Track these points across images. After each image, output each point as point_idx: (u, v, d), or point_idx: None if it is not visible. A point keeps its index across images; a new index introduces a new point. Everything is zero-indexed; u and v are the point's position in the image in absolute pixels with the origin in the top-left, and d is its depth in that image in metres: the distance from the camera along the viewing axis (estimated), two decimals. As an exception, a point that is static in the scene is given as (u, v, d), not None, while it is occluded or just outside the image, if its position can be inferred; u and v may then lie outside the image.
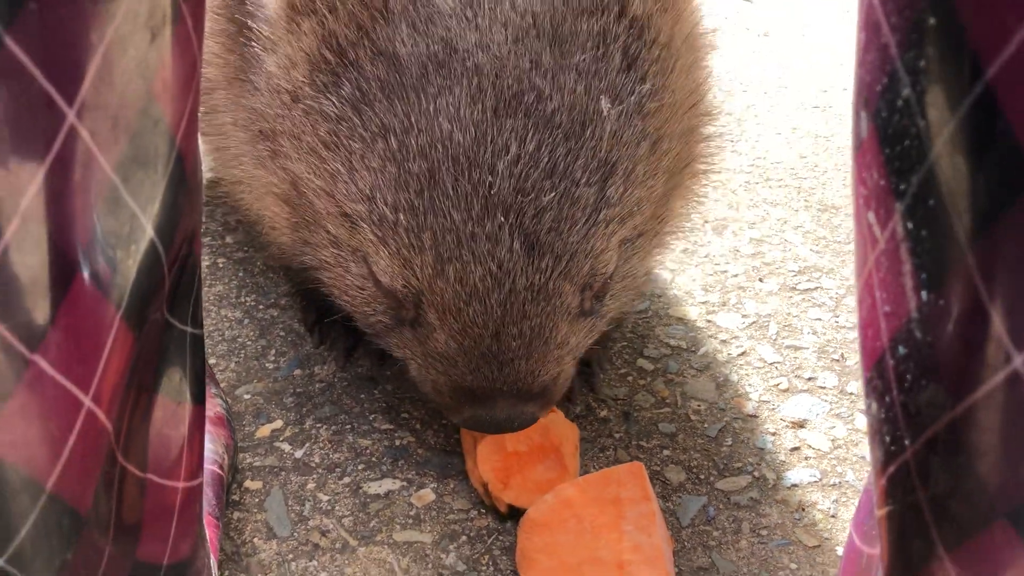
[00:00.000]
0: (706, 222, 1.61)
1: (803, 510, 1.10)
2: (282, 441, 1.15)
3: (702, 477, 1.14)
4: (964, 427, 0.46)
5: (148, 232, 0.53)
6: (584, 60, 0.86)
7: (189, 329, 0.65)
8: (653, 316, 1.39)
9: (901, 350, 0.49)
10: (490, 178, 0.83)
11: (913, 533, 0.51)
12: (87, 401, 0.52)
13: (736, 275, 1.49)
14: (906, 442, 0.50)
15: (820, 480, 1.14)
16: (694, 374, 1.29)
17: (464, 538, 1.05)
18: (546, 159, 0.84)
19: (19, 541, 0.52)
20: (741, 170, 1.78)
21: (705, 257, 1.53)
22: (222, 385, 1.21)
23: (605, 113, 0.86)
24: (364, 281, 0.95)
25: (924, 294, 0.46)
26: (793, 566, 1.03)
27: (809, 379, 1.29)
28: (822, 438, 1.20)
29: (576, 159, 0.85)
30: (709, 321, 1.39)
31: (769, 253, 1.55)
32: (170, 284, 0.59)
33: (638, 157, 0.90)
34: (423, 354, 0.94)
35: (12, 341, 0.47)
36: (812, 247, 1.57)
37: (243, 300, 1.37)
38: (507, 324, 0.88)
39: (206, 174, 1.33)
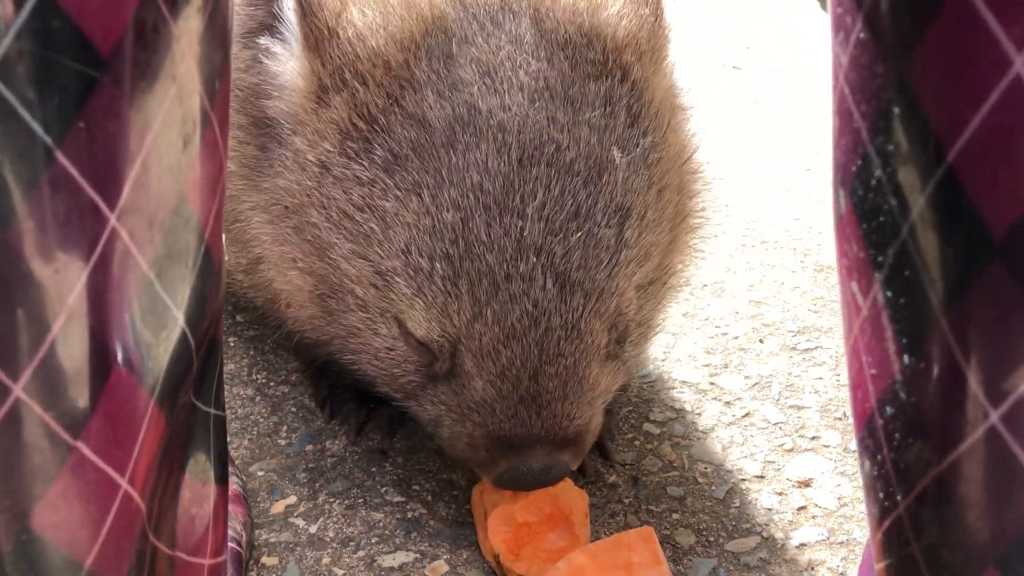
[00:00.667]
0: (705, 285, 1.65)
1: (812, 569, 1.11)
2: (296, 516, 1.17)
3: (711, 539, 1.15)
4: (950, 480, 0.49)
5: (179, 322, 0.57)
6: (594, 116, 0.95)
7: (212, 411, 0.68)
8: (657, 380, 1.42)
9: (888, 410, 0.52)
10: (520, 222, 0.90)
11: (911, 585, 0.54)
12: (124, 483, 0.55)
13: (737, 337, 1.52)
14: (898, 497, 0.53)
15: (828, 538, 1.15)
16: (700, 436, 1.31)
17: (479, 608, 1.06)
18: (570, 203, 0.91)
19: None
20: (737, 233, 1.82)
21: (706, 320, 1.56)
22: (236, 462, 1.23)
23: (617, 162, 0.94)
24: (394, 342, 0.98)
25: (906, 358, 0.50)
26: (805, 626, 1.04)
27: (813, 438, 1.31)
28: (828, 496, 1.21)
29: (596, 203, 0.92)
30: (712, 383, 1.42)
31: (768, 314, 1.58)
32: (197, 368, 0.62)
33: (648, 203, 0.98)
34: (458, 407, 0.96)
35: (56, 428, 0.51)
36: (810, 307, 1.60)
37: (254, 378, 1.40)
38: (544, 364, 0.92)
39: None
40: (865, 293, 0.53)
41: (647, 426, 1.33)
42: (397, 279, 0.93)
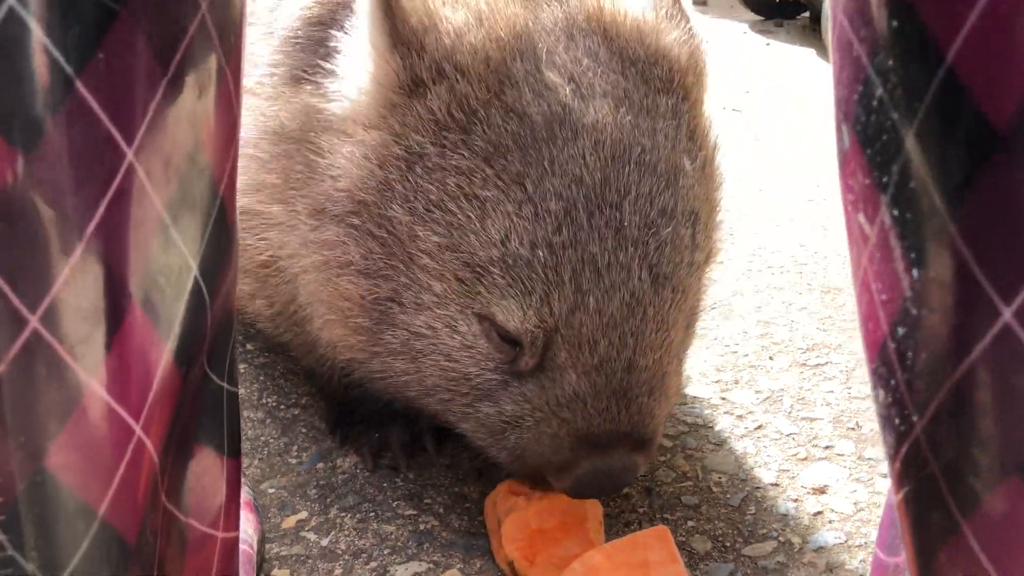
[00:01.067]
0: (713, 307, 1.65)
1: (831, 571, 1.09)
2: (308, 531, 1.16)
3: (728, 545, 1.13)
4: (965, 389, 0.49)
5: (194, 271, 0.58)
6: (667, 126, 0.99)
7: (226, 386, 0.68)
8: (668, 396, 1.41)
9: (900, 331, 0.52)
10: (618, 214, 0.92)
11: (930, 507, 0.53)
12: (137, 430, 0.55)
13: (747, 355, 1.52)
14: (914, 419, 0.53)
15: (846, 542, 1.13)
16: (713, 448, 1.30)
17: (493, 616, 1.05)
18: (658, 200, 0.95)
19: (72, 568, 0.54)
20: (742, 258, 1.84)
21: (715, 339, 1.56)
22: (247, 481, 1.22)
23: (687, 168, 0.99)
24: (474, 339, 0.97)
25: (915, 272, 0.50)
26: (827, 626, 1.02)
27: (827, 447, 1.30)
28: (844, 502, 1.20)
29: (676, 204, 0.96)
30: (724, 398, 1.41)
31: (777, 333, 1.58)
32: (211, 335, 0.63)
33: (707, 211, 1.02)
34: (546, 403, 0.95)
35: (71, 363, 0.51)
36: (818, 326, 1.60)
37: (264, 401, 1.40)
38: (637, 355, 0.94)
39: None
40: (872, 220, 0.54)
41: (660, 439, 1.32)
42: (492, 269, 0.93)
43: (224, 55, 0.57)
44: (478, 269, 0.94)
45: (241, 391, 1.41)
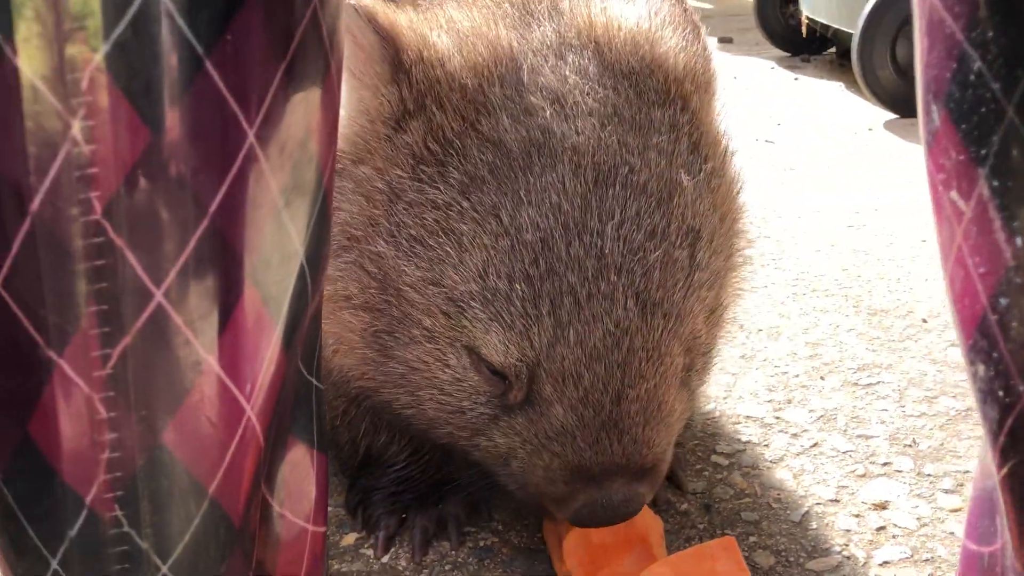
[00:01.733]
0: (760, 330, 1.65)
1: (899, 585, 1.08)
2: (367, 548, 1.16)
3: (791, 559, 1.12)
4: None
5: (300, 257, 0.59)
6: (661, 141, 0.96)
7: (315, 382, 0.69)
8: (720, 416, 1.41)
9: (1003, 302, 0.53)
10: (600, 241, 0.89)
11: (1040, 480, 0.53)
12: (248, 410, 0.56)
13: (797, 375, 1.51)
14: (1019, 388, 0.53)
15: (911, 556, 1.12)
16: (769, 466, 1.29)
17: (558, 631, 1.04)
18: (647, 223, 0.91)
19: (183, 546, 0.55)
20: (786, 284, 1.84)
21: (764, 361, 1.56)
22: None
23: (685, 184, 0.95)
24: (464, 372, 0.96)
25: (1018, 240, 0.51)
26: (898, 640, 1.01)
27: (884, 464, 1.29)
28: (907, 517, 1.18)
29: (669, 224, 0.93)
30: (778, 417, 1.40)
31: (827, 354, 1.57)
32: (307, 331, 0.64)
33: (714, 227, 0.98)
34: (535, 437, 0.94)
35: (191, 338, 0.52)
36: (867, 346, 1.60)
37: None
38: (626, 386, 0.90)
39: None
40: (967, 196, 0.54)
41: (715, 458, 1.32)
42: (473, 304, 0.92)
43: (330, 50, 0.59)
44: (460, 303, 0.93)
45: (295, 414, 1.42)
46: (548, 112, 0.94)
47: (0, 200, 0.49)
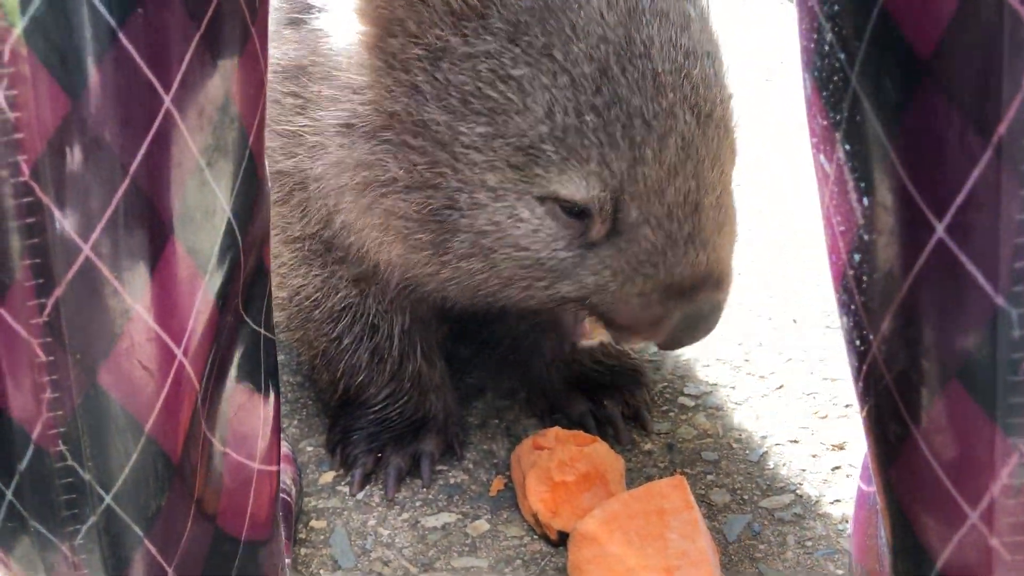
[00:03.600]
0: (739, 274, 1.68)
1: (846, 522, 1.13)
2: (344, 485, 1.22)
3: (746, 498, 1.17)
4: (910, 303, 0.53)
5: (227, 213, 0.64)
6: None
7: (262, 331, 0.74)
8: (691, 359, 1.45)
9: (856, 257, 0.57)
10: (650, 63, 0.94)
11: (887, 418, 0.57)
12: (179, 354, 0.62)
13: (771, 318, 1.55)
14: (871, 337, 0.57)
15: (862, 494, 1.16)
16: (733, 407, 1.34)
17: (519, 562, 1.10)
18: (680, 44, 0.96)
19: (123, 478, 0.60)
20: (774, 229, 1.86)
21: (739, 304, 1.59)
22: (287, 439, 1.29)
23: (692, 15, 1.01)
24: (540, 222, 0.97)
25: (866, 200, 0.55)
26: (840, 572, 1.06)
27: (847, 406, 1.33)
28: (862, 457, 1.23)
29: (694, 46, 0.98)
30: (746, 360, 1.44)
31: (803, 297, 1.60)
32: (244, 279, 0.69)
33: (715, 54, 1.02)
34: (626, 264, 0.96)
35: (119, 289, 0.58)
36: (845, 291, 1.63)
37: (303, 364, 1.47)
38: (702, 195, 0.96)
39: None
40: (830, 158, 0.58)
41: (682, 399, 1.36)
42: (544, 146, 0.93)
43: (250, 15, 0.63)
44: (530, 151, 0.94)
45: (281, 357, 1.48)
46: None
47: None
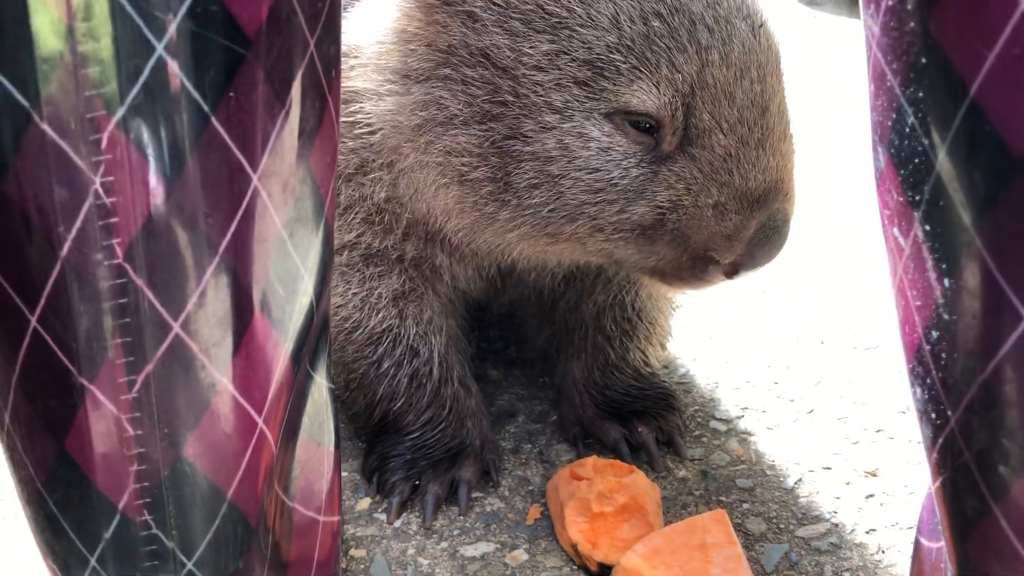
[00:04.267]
0: (764, 292, 1.69)
1: (883, 552, 1.14)
2: (381, 512, 1.23)
3: (782, 527, 1.18)
4: (994, 385, 0.54)
5: (306, 280, 0.64)
6: None
7: (326, 383, 0.75)
8: (721, 381, 1.46)
9: (934, 334, 0.58)
10: None
11: (965, 492, 0.58)
12: (260, 422, 0.62)
13: (798, 340, 1.55)
14: (949, 412, 0.58)
15: (897, 523, 1.18)
16: (766, 432, 1.35)
17: (559, 593, 1.11)
18: None
19: (205, 545, 0.61)
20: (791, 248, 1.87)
21: (766, 326, 1.60)
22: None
23: None
24: (611, 139, 0.97)
25: (946, 281, 0.56)
26: (879, 604, 1.07)
27: (878, 431, 1.34)
28: (896, 484, 1.24)
29: None
30: (776, 383, 1.45)
31: (829, 319, 1.61)
32: (314, 337, 0.70)
33: None
34: (700, 172, 0.96)
35: (207, 364, 0.58)
36: (868, 311, 1.64)
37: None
38: (767, 100, 0.97)
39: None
40: (906, 234, 0.59)
41: (714, 424, 1.37)
42: (612, 56, 0.94)
43: (328, 87, 0.63)
44: (598, 63, 0.95)
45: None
46: None
47: (34, 247, 0.54)
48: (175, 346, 0.58)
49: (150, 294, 0.56)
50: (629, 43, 0.94)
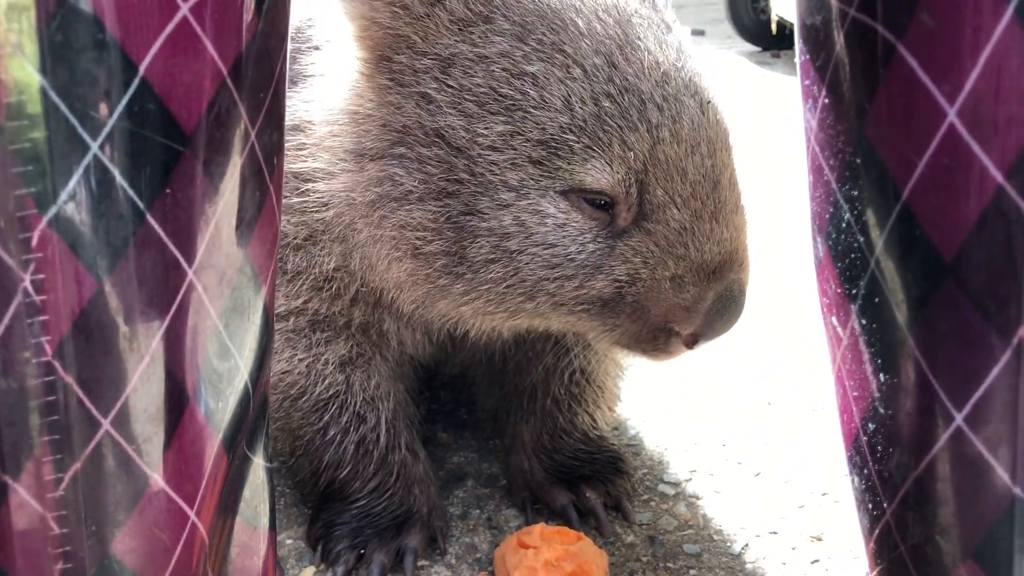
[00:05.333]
0: (715, 352, 1.70)
1: (829, 620, 1.14)
2: (326, 582, 1.21)
3: (729, 594, 1.18)
4: (927, 482, 0.55)
5: (241, 369, 0.63)
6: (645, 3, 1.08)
7: (263, 463, 0.74)
8: (670, 443, 1.46)
9: (871, 426, 0.58)
10: (650, 55, 0.99)
11: (902, 584, 0.59)
12: (191, 515, 0.61)
13: (747, 402, 1.57)
14: (885, 504, 0.59)
15: (843, 590, 1.18)
16: (714, 495, 1.35)
17: (505, 666, 1.09)
18: (670, 44, 1.02)
19: None
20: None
21: (715, 385, 1.61)
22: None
23: (671, 24, 1.07)
24: (566, 216, 0.98)
25: (882, 376, 0.56)
26: (825, 674, 1.07)
27: (824, 494, 1.35)
28: (841, 549, 1.25)
29: (680, 46, 1.04)
30: (724, 444, 1.46)
31: (778, 379, 1.63)
32: (252, 421, 0.69)
33: (697, 58, 1.07)
34: (655, 247, 0.98)
35: (137, 460, 0.57)
36: (817, 371, 1.66)
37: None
38: (717, 173, 0.99)
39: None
40: (844, 325, 0.60)
41: (662, 487, 1.37)
42: (566, 137, 0.96)
43: (269, 175, 0.63)
44: (551, 144, 0.96)
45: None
46: None
47: None
48: (104, 443, 0.56)
49: (79, 391, 0.55)
50: (581, 123, 0.96)
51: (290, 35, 1.02)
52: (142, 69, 0.52)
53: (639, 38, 0.99)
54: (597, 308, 1.03)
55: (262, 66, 0.61)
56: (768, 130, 2.87)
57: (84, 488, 0.57)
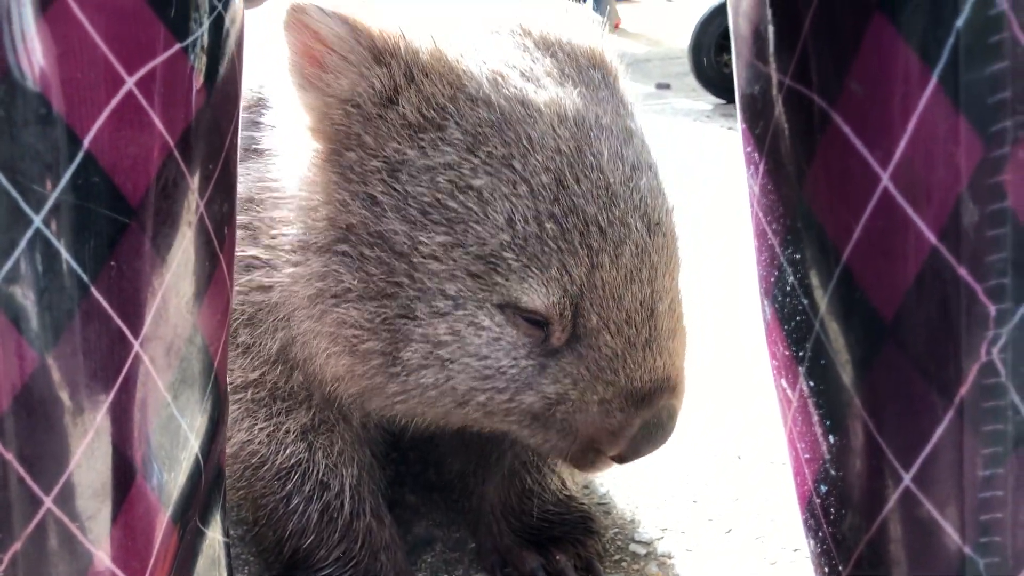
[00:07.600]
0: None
1: None
2: (291, 654, 1.18)
3: (702, 655, 1.16)
4: (879, 543, 0.55)
5: (191, 441, 0.62)
6: (604, 95, 1.07)
7: (220, 537, 0.72)
8: (642, 500, 1.45)
9: (823, 488, 0.58)
10: (601, 175, 0.98)
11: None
12: None
13: (717, 455, 1.56)
14: (840, 568, 0.58)
15: (816, 648, 1.17)
16: (685, 554, 1.34)
17: None
18: (626, 157, 1.01)
19: None
20: (709, 357, 1.90)
21: (685, 440, 1.61)
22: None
23: (632, 128, 1.07)
24: (501, 330, 0.98)
25: (831, 438, 0.57)
26: None
27: (795, 550, 1.34)
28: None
29: (638, 157, 1.03)
30: (695, 501, 1.45)
31: (747, 432, 1.63)
32: (204, 494, 0.67)
33: (656, 167, 1.07)
34: (586, 370, 0.98)
35: (80, 538, 0.55)
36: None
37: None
38: (656, 301, 0.99)
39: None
40: (793, 387, 0.60)
41: (633, 547, 1.36)
42: (506, 254, 0.95)
43: (219, 245, 0.63)
44: (490, 259, 0.96)
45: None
46: (515, 75, 1.03)
47: None
48: (46, 522, 0.55)
49: (20, 469, 0.54)
50: (522, 242, 0.96)
51: (242, 106, 1.04)
52: (86, 143, 0.52)
53: (594, 154, 0.99)
54: (528, 420, 1.03)
55: (212, 137, 0.62)
56: (732, 183, 2.91)
57: (24, 569, 0.55)
